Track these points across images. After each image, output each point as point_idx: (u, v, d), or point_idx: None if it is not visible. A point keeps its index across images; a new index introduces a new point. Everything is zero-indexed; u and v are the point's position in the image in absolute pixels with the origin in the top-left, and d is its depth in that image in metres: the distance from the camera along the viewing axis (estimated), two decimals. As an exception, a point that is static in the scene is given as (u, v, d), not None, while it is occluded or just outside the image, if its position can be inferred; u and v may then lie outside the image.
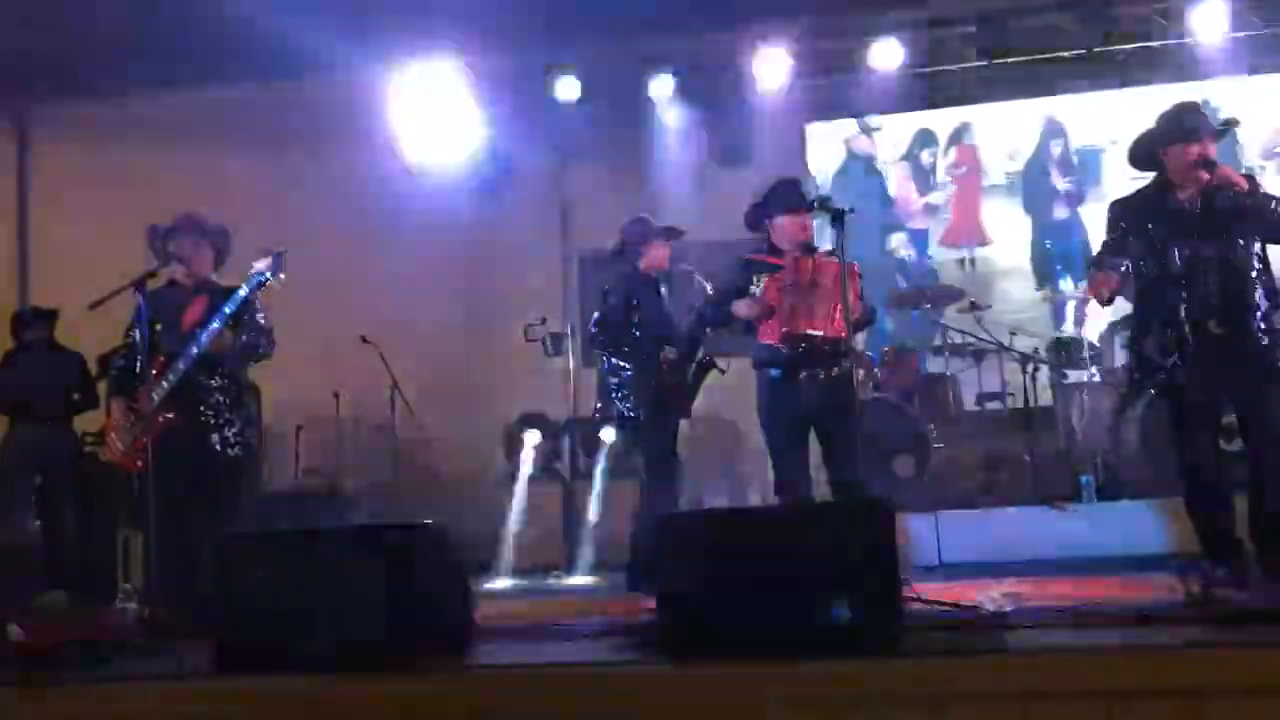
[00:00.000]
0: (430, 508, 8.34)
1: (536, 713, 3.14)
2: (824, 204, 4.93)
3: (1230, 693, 2.86)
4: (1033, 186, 9.07)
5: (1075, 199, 8.95)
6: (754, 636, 3.11)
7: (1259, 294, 4.41)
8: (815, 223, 5.40)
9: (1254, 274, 4.42)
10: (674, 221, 8.10)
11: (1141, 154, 4.68)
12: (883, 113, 9.17)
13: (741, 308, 5.17)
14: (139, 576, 5.41)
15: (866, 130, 9.40)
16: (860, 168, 9.39)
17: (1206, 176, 4.41)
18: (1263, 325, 4.37)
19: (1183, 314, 4.40)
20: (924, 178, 9.31)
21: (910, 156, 9.31)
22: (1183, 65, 8.19)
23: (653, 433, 5.97)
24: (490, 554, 7.86)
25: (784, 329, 5.03)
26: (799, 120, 9.17)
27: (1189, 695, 2.88)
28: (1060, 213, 8.99)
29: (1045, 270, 8.96)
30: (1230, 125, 4.60)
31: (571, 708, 3.13)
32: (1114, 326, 7.56)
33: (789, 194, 5.27)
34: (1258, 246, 4.46)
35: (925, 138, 9.29)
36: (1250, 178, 4.50)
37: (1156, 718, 2.88)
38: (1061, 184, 9.00)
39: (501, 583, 6.93)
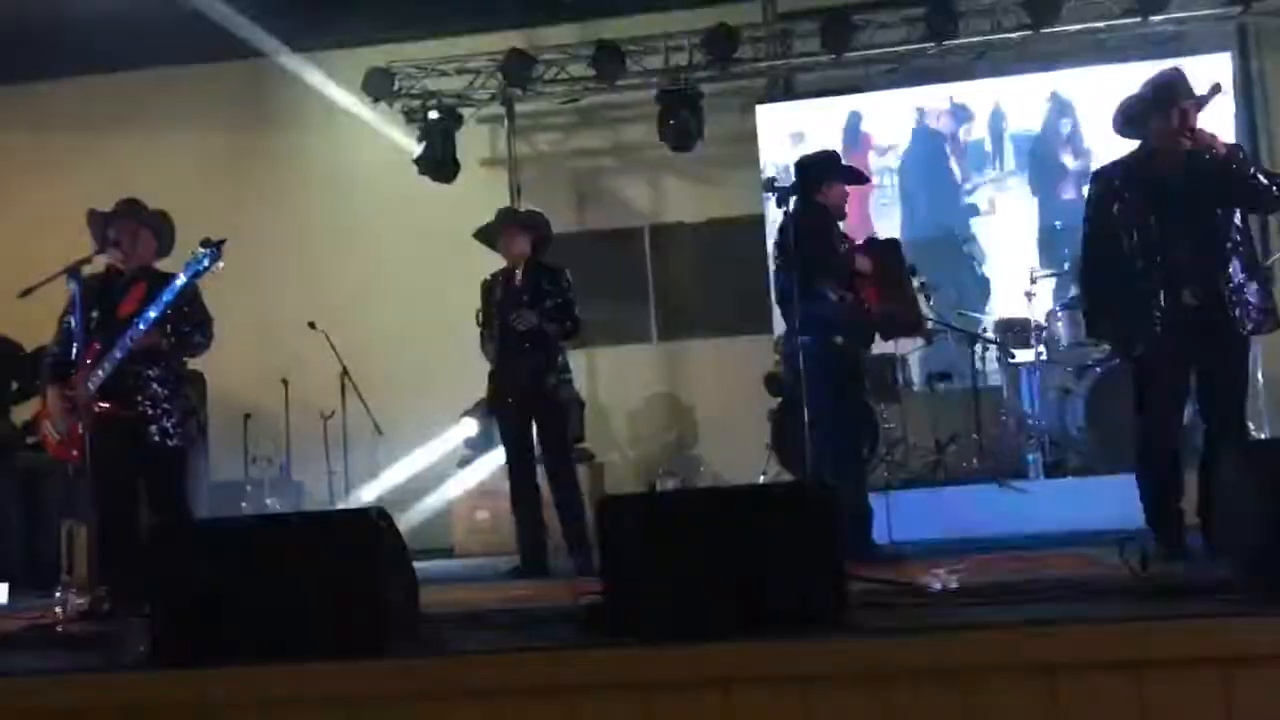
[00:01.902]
0: (379, 495, 8.34)
1: (482, 698, 3.12)
2: (770, 185, 4.94)
3: (1170, 664, 2.90)
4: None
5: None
6: (700, 618, 3.11)
7: (1236, 265, 4.40)
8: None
9: (1231, 244, 4.41)
10: (623, 204, 8.12)
11: (1125, 121, 4.66)
12: (835, 94, 9.14)
13: (866, 264, 5.33)
14: (82, 568, 5.32)
15: (962, 108, 8.98)
16: (938, 142, 9.02)
17: (1189, 144, 4.39)
18: (1234, 297, 4.38)
19: (1158, 284, 4.40)
20: (973, 156, 9.02)
21: (951, 135, 9.04)
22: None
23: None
24: (439, 539, 7.83)
25: (888, 303, 5.24)
26: (750, 102, 9.15)
27: (1130, 667, 2.91)
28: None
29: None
30: (1215, 92, 4.60)
31: (519, 692, 3.12)
32: (1062, 305, 7.65)
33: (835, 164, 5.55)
34: (1238, 216, 4.45)
35: (961, 113, 9.01)
36: (1235, 146, 4.49)
37: (1099, 690, 2.91)
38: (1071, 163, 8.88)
39: (449, 568, 6.90)
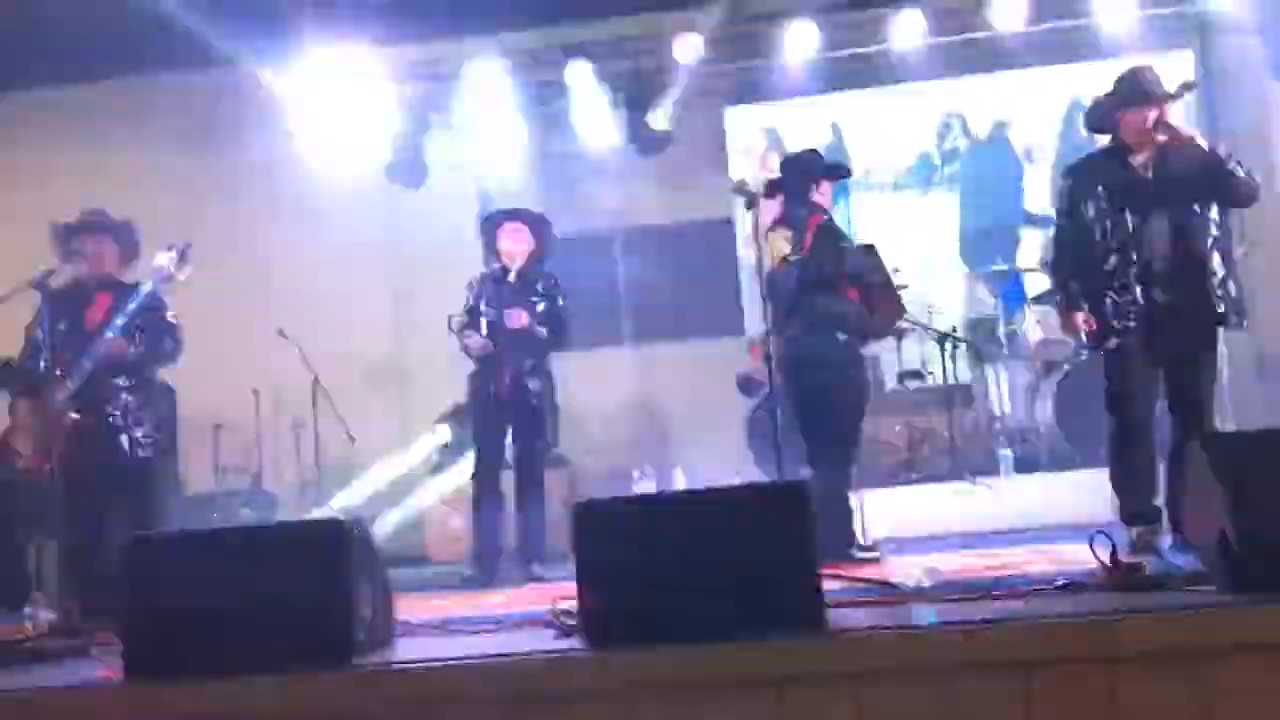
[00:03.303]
0: (352, 504, 8.29)
1: (461, 706, 3.11)
2: (740, 188, 4.94)
3: (1140, 658, 2.93)
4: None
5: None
6: (676, 620, 3.11)
7: (1216, 260, 4.43)
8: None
9: (1210, 240, 4.43)
10: (592, 208, 8.03)
11: (1097, 118, 4.69)
12: (804, 95, 9.15)
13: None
14: (52, 584, 5.27)
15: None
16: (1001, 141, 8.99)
17: (1163, 139, 4.42)
18: (1219, 292, 4.40)
19: (1131, 280, 4.42)
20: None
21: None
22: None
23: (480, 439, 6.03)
24: (413, 548, 7.80)
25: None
26: (718, 105, 9.16)
27: (1101, 661, 2.94)
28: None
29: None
30: (1187, 89, 4.63)
31: (494, 700, 3.11)
32: (1031, 303, 7.72)
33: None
34: (1214, 211, 4.48)
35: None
36: (1212, 142, 4.50)
37: (1072, 684, 2.94)
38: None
39: (423, 576, 6.87)
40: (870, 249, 5.52)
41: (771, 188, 5.36)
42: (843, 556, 4.88)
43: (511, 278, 5.98)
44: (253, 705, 3.13)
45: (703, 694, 3.03)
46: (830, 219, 5.45)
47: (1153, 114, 4.44)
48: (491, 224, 6.23)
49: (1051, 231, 4.78)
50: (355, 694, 3.15)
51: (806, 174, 5.43)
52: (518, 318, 5.82)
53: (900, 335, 7.38)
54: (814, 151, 5.72)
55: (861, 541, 5.56)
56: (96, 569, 4.44)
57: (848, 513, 5.25)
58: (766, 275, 5.00)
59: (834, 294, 5.22)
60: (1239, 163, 4.44)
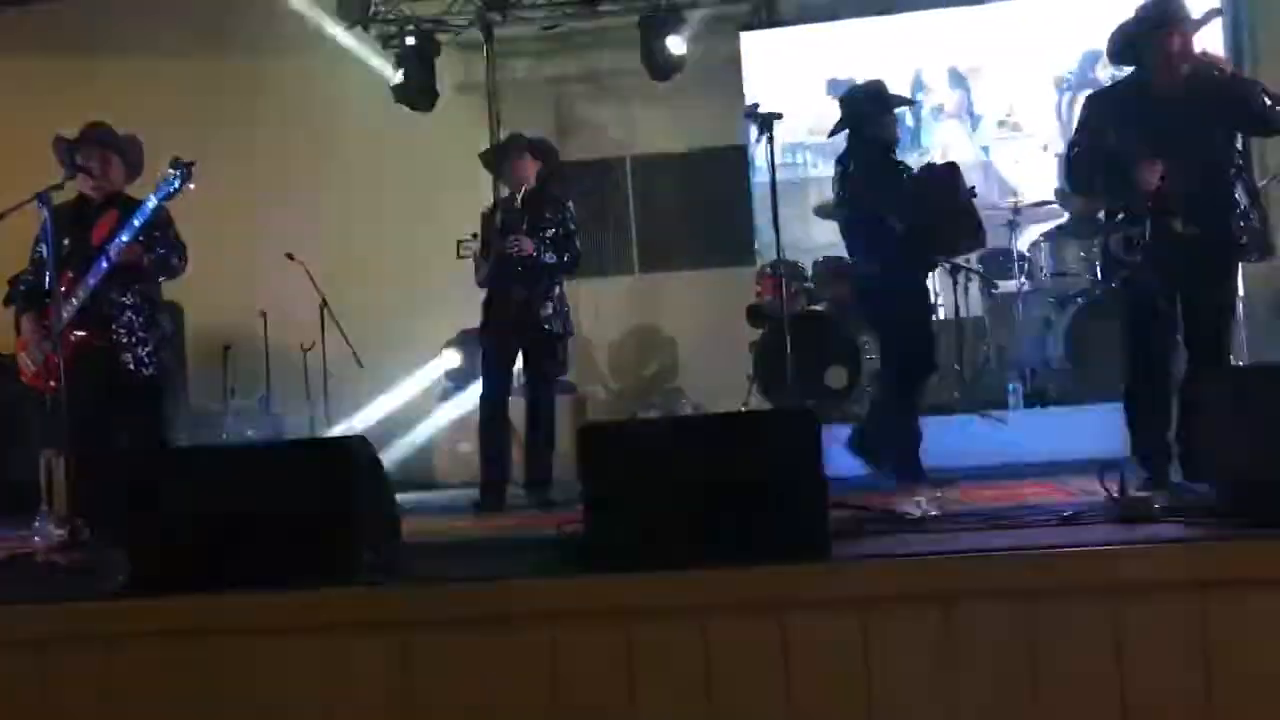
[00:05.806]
0: (360, 428, 8.31)
1: (463, 626, 3.13)
2: (752, 111, 4.88)
3: (1147, 590, 2.92)
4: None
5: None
6: (683, 544, 3.11)
7: (1240, 192, 4.34)
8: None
9: (1234, 171, 4.35)
10: (603, 133, 7.94)
11: (1120, 46, 4.56)
12: (820, 21, 8.96)
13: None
14: (62, 498, 5.30)
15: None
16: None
17: (1188, 68, 4.31)
18: (1242, 223, 4.32)
19: (1145, 212, 4.34)
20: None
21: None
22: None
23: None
24: (421, 472, 7.84)
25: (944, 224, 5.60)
26: (734, 29, 9.00)
27: (1107, 592, 2.94)
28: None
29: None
30: (1212, 15, 4.51)
31: (500, 620, 3.12)
32: (1045, 236, 7.63)
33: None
34: (1239, 140, 4.39)
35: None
36: (1235, 67, 4.42)
37: (1076, 615, 2.94)
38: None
39: (431, 499, 6.90)
40: (947, 170, 5.60)
41: (764, 116, 5.50)
42: (908, 479, 5.24)
43: (517, 203, 5.93)
44: (256, 620, 3.15)
45: (705, 619, 3.04)
46: (882, 151, 5.53)
47: (1179, 41, 4.33)
48: (501, 154, 6.15)
49: (1067, 153, 4.65)
50: (358, 612, 3.16)
51: (865, 110, 5.53)
52: (520, 245, 5.76)
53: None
54: (877, 84, 5.74)
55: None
56: (103, 485, 4.45)
57: (911, 437, 5.57)
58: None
59: (883, 221, 5.37)
60: (1266, 90, 4.33)
